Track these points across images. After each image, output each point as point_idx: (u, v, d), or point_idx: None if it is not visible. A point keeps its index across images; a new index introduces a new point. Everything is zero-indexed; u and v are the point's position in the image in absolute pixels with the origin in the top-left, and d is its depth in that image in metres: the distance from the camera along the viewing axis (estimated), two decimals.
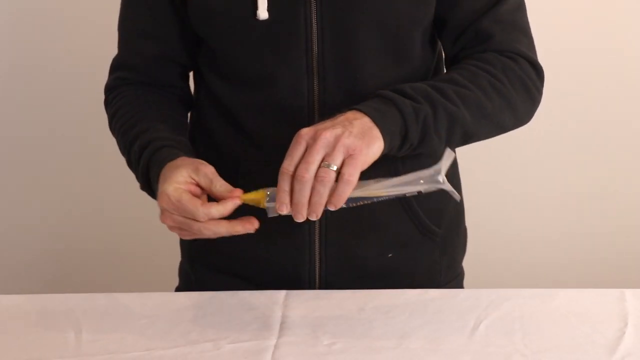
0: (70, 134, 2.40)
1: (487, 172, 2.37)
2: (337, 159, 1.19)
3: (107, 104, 1.51)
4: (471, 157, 2.27)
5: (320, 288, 1.45)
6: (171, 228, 1.29)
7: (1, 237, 2.50)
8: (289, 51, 1.37)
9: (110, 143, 1.50)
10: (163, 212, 1.27)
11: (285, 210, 1.21)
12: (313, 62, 1.38)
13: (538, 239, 2.44)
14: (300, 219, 1.21)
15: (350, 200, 1.21)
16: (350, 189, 1.20)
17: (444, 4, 1.40)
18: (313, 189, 1.19)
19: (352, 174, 1.19)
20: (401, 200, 1.43)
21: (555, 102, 2.32)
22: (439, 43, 1.47)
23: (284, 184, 1.21)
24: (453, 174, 1.52)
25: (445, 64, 1.48)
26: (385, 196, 1.23)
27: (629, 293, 1.36)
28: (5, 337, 1.27)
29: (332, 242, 1.44)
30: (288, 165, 1.21)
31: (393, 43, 1.39)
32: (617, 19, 2.32)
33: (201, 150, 1.49)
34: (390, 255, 1.46)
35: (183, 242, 1.57)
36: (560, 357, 1.20)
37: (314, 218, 1.21)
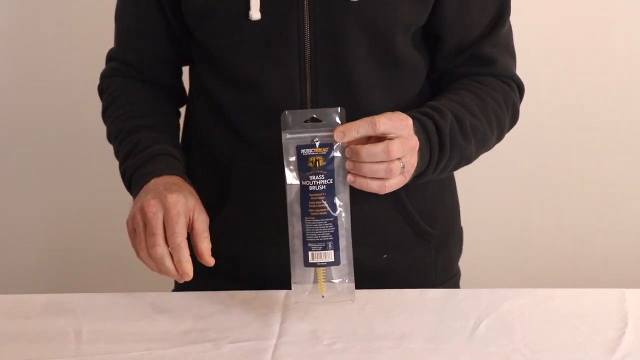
0: (71, 134, 2.40)
1: (487, 171, 2.36)
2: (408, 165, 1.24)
3: (102, 91, 1.53)
4: None
5: None
6: (130, 230, 1.28)
7: (1, 237, 2.50)
8: (282, 53, 1.37)
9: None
10: (148, 208, 1.25)
11: (339, 138, 1.20)
12: (306, 64, 1.38)
13: (538, 239, 2.44)
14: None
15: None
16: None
17: (439, 18, 1.41)
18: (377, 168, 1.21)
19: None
20: (395, 202, 1.44)
21: (556, 101, 2.33)
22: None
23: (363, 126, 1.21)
24: (448, 185, 1.53)
25: (435, 76, 1.48)
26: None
27: (629, 293, 1.36)
28: (5, 337, 1.27)
29: None
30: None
31: (383, 47, 1.39)
32: (618, 18, 2.31)
33: (193, 148, 1.49)
34: (385, 256, 1.46)
35: None
36: (560, 357, 1.20)
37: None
